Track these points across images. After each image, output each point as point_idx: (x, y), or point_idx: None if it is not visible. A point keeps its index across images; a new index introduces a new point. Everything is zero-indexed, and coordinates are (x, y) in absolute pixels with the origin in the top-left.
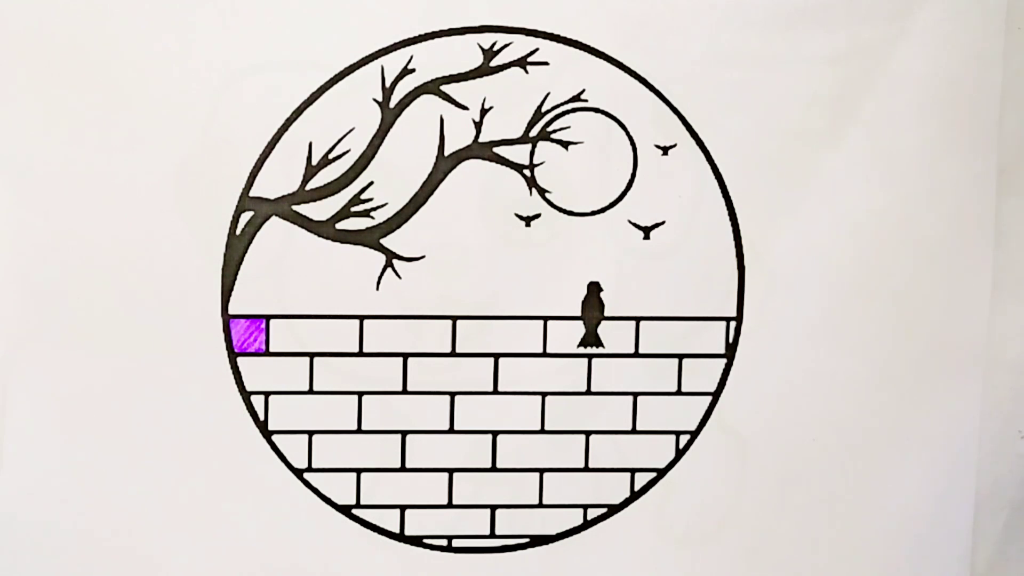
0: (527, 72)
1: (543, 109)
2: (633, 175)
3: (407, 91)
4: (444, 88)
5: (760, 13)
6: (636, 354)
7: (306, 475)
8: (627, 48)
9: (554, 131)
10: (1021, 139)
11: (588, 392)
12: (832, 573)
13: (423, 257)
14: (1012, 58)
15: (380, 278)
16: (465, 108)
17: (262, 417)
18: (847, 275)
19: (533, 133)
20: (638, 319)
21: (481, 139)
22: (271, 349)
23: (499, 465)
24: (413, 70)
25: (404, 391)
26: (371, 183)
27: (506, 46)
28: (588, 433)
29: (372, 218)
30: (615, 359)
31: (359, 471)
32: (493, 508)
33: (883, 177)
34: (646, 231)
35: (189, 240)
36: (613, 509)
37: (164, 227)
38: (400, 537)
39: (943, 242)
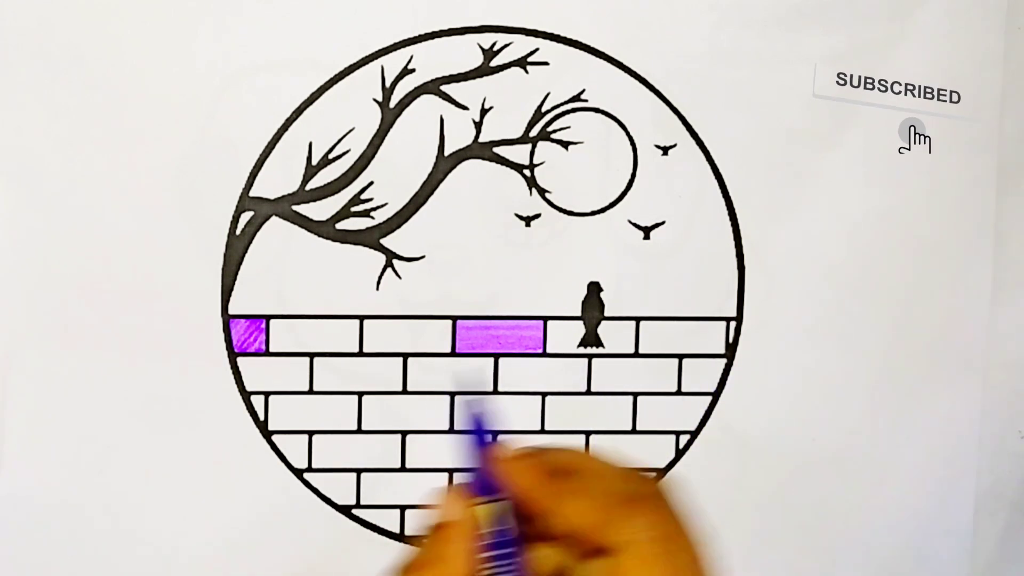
0: (527, 72)
1: (543, 109)
2: (633, 175)
3: (407, 91)
4: (444, 88)
5: (760, 13)
6: (636, 354)
7: (306, 475)
8: (627, 48)
9: (554, 131)
10: (1021, 139)
11: (588, 392)
12: (832, 573)
13: (423, 257)
14: (1012, 58)
15: (380, 278)
16: (465, 108)
17: (262, 417)
18: (847, 275)
19: (533, 133)
20: (638, 319)
21: (481, 139)
22: (271, 349)
23: None
24: (413, 70)
25: (404, 391)
26: (371, 183)
27: (506, 46)
28: (588, 433)
29: (372, 218)
30: (615, 359)
31: (359, 471)
32: None
33: (883, 177)
34: (646, 231)
35: (189, 240)
36: None
37: (164, 227)
38: (400, 537)
39: (943, 242)
